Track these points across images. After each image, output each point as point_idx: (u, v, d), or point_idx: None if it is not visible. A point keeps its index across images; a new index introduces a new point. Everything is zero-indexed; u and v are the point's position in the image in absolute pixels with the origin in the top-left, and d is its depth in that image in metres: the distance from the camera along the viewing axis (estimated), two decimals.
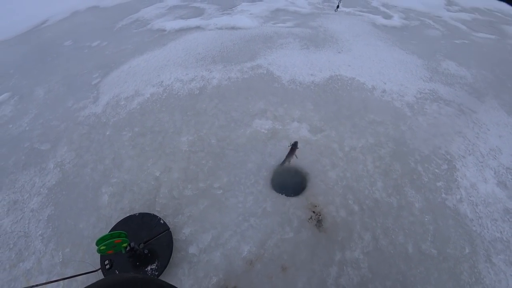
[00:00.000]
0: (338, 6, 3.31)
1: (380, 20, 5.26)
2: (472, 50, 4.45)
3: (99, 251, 1.57)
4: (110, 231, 1.93)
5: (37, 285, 1.57)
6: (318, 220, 2.04)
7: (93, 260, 1.88)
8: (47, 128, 2.97)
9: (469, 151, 2.63)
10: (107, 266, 1.79)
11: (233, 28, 4.63)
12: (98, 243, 1.55)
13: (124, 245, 1.67)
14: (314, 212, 2.08)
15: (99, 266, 1.81)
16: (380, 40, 4.42)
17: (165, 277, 1.77)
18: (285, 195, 2.17)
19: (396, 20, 5.33)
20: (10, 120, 3.19)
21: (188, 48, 4.07)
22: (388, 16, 5.53)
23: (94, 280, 1.81)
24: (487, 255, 1.93)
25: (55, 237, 2.05)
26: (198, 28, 4.72)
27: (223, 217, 2.05)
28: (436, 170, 2.42)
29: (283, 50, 3.95)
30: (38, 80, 3.85)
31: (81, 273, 1.72)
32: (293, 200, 2.15)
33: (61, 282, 1.80)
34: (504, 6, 6.84)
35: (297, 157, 2.21)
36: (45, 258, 1.94)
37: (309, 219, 2.04)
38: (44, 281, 1.63)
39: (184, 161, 2.44)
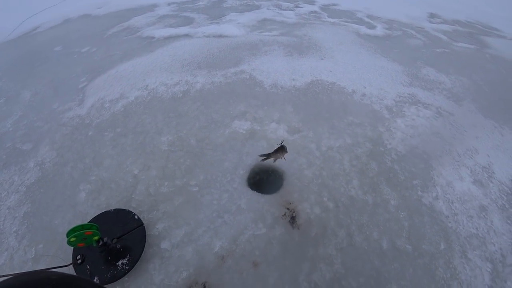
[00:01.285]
0: None
1: (363, 30, 5.44)
2: (451, 58, 4.61)
3: (69, 242, 1.56)
4: None
5: (3, 276, 1.56)
6: (292, 217, 2.05)
7: (66, 255, 1.87)
8: (31, 129, 2.98)
9: (446, 151, 2.69)
10: (79, 261, 1.78)
11: (220, 36, 4.75)
12: (68, 234, 1.55)
13: (95, 238, 1.67)
14: (288, 209, 2.10)
15: (71, 261, 1.80)
16: (362, 48, 4.56)
17: (136, 272, 1.76)
18: (260, 193, 2.19)
19: (379, 30, 5.52)
20: None
21: (175, 54, 4.16)
22: (371, 27, 5.72)
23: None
24: (463, 251, 1.96)
25: (30, 233, 2.03)
26: (186, 36, 4.83)
27: (198, 214, 2.06)
28: (413, 169, 2.47)
29: (267, 57, 4.05)
30: (25, 83, 3.88)
31: (51, 267, 1.71)
32: (268, 197, 2.17)
33: None
34: (483, 18, 7.15)
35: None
36: (18, 254, 1.92)
37: (282, 215, 2.06)
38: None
39: (162, 160, 2.46)
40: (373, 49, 4.56)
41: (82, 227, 1.60)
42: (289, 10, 6.53)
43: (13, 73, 4.24)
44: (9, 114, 3.30)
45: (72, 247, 1.85)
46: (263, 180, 2.36)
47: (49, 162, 2.58)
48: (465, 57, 4.71)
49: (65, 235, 1.99)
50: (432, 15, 7.07)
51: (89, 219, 2.04)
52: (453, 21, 6.74)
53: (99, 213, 2.06)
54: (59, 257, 1.89)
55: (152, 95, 3.25)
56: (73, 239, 1.57)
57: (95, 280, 1.72)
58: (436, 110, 3.20)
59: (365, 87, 3.43)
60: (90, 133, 2.81)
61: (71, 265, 1.81)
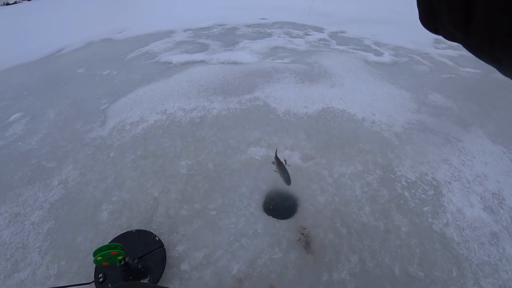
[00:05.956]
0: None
1: (371, 57, 5.64)
2: (458, 83, 4.71)
3: (95, 261, 1.65)
4: None
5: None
6: (306, 242, 2.11)
7: (88, 273, 1.94)
8: (55, 147, 3.15)
9: (455, 177, 2.74)
10: (101, 279, 1.85)
11: (234, 63, 4.98)
12: (95, 253, 1.64)
13: (120, 257, 1.75)
14: (302, 234, 2.16)
15: (93, 279, 1.87)
16: (371, 75, 4.73)
17: None
18: (276, 218, 2.27)
19: (387, 57, 5.71)
20: (20, 138, 3.39)
21: (191, 80, 4.38)
22: (379, 54, 5.93)
23: None
24: (475, 278, 1.96)
25: (53, 250, 2.12)
26: (202, 62, 5.09)
27: (216, 237, 2.14)
28: (423, 196, 2.52)
29: (279, 84, 4.23)
30: (50, 102, 4.12)
31: (73, 284, 1.79)
32: (283, 222, 2.24)
33: None
34: None
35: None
36: (40, 270, 2.00)
37: (297, 240, 2.12)
38: None
39: (182, 183, 2.57)
40: (381, 76, 4.73)
41: (108, 247, 1.70)
42: (299, 37, 6.84)
43: (39, 92, 4.51)
44: (34, 132, 3.50)
45: (95, 265, 1.94)
46: (278, 205, 2.44)
47: (73, 180, 2.71)
48: (471, 82, 4.80)
49: (87, 253, 2.11)
50: (437, 41, 7.25)
51: (111, 238, 2.12)
52: (458, 46, 6.87)
53: (120, 233, 2.15)
54: (81, 275, 1.97)
55: (170, 120, 3.42)
56: (99, 258, 1.66)
57: None
58: (445, 137, 3.28)
59: (374, 114, 3.55)
60: (111, 154, 2.96)
61: (93, 283, 1.89)
